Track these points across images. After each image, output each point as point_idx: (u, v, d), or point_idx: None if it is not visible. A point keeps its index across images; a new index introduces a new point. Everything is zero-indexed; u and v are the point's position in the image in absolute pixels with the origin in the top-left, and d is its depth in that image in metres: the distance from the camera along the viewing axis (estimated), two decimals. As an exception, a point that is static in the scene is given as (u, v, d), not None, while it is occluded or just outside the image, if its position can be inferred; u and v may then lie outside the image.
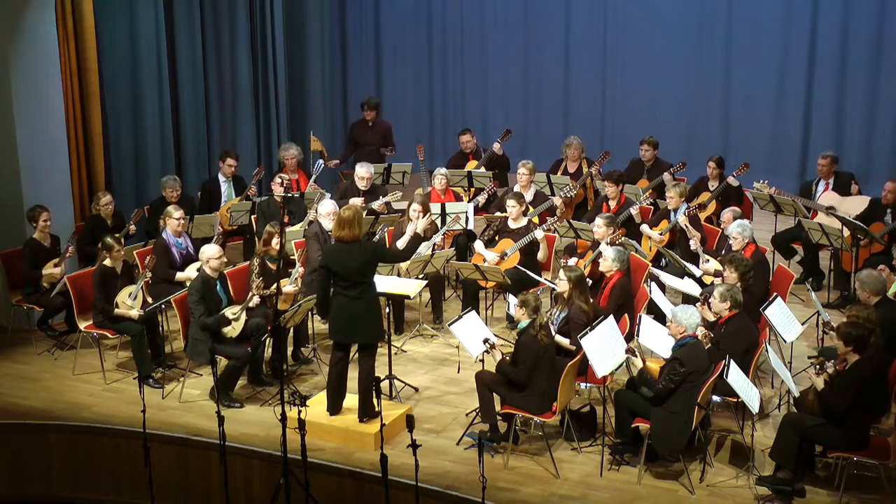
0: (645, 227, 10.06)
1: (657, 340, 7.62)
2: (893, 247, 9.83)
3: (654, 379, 7.06)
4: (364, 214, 9.72)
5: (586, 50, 14.68)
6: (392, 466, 6.70)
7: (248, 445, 7.55)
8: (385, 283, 8.31)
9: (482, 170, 11.55)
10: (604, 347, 7.15)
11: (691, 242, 9.42)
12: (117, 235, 9.05)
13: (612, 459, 7.24)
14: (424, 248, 9.24)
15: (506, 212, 9.77)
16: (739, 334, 7.43)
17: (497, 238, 9.77)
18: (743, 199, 10.78)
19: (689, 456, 7.16)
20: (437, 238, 9.60)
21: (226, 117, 12.95)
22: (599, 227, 9.10)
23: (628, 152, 12.05)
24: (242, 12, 12.80)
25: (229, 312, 8.17)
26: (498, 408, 7.46)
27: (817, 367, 6.82)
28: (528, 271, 9.08)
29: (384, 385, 8.09)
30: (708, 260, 9.07)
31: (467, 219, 10.22)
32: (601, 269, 8.48)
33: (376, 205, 10.38)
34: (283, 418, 6.76)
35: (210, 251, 8.29)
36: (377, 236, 9.46)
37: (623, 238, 9.25)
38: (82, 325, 8.81)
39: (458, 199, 10.97)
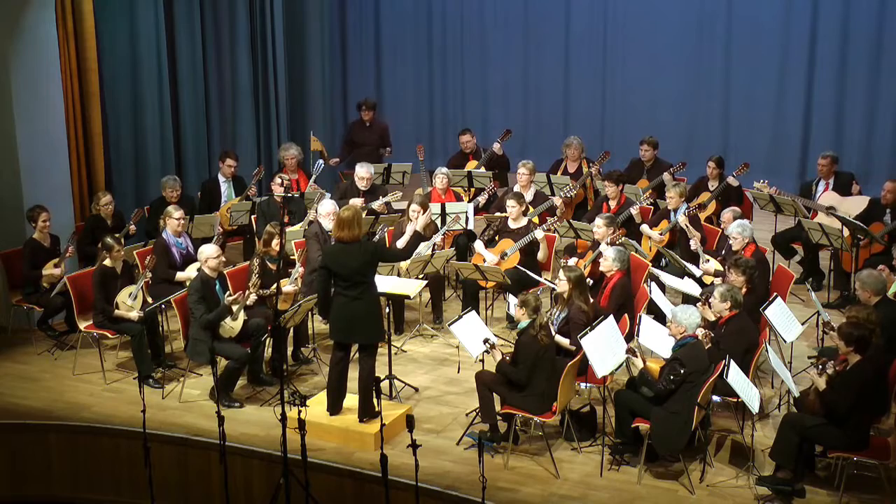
0: (645, 227, 10.06)
1: (657, 340, 7.62)
2: (893, 247, 9.83)
3: (655, 379, 7.06)
4: (364, 214, 9.76)
5: (586, 50, 14.68)
6: (392, 466, 6.70)
7: (248, 445, 7.55)
8: (385, 283, 8.31)
9: (482, 170, 11.56)
10: (604, 347, 7.15)
11: (691, 242, 9.42)
12: (117, 235, 9.05)
13: (612, 459, 7.24)
14: (424, 248, 9.25)
15: (506, 212, 9.78)
16: (739, 334, 7.43)
17: (497, 238, 9.77)
18: (743, 199, 10.78)
19: (689, 456, 7.16)
20: (437, 238, 9.60)
21: (226, 117, 12.95)
22: (599, 227, 9.10)
23: (628, 152, 12.05)
24: (242, 12, 12.79)
25: (228, 299, 8.15)
26: (498, 408, 7.46)
27: (819, 367, 6.82)
28: (528, 271, 9.08)
29: (384, 385, 8.09)
30: (708, 260, 9.07)
31: (467, 219, 10.22)
32: (601, 268, 8.48)
33: (376, 205, 10.38)
34: (283, 418, 6.76)
35: (208, 251, 8.29)
36: (377, 236, 9.47)
37: (623, 238, 9.25)
38: (82, 325, 8.81)
39: (459, 199, 10.97)
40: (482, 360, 7.92)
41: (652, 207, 10.42)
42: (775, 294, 7.98)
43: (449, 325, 7.79)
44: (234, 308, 8.15)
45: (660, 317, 8.35)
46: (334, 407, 7.70)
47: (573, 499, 6.88)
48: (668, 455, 7.12)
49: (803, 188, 11.09)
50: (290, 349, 8.88)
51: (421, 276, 9.05)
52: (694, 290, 8.64)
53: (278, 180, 10.43)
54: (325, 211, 9.21)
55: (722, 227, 9.44)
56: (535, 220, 10.03)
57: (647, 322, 7.84)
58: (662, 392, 6.93)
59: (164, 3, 11.65)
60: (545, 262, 9.63)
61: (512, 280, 8.98)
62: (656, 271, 9.02)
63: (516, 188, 10.55)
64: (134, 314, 8.54)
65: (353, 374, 7.71)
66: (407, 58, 15.63)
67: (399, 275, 9.12)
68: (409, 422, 6.33)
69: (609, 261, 8.37)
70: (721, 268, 8.74)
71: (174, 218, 9.31)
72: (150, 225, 10.37)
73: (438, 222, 9.97)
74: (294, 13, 13.68)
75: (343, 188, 11.01)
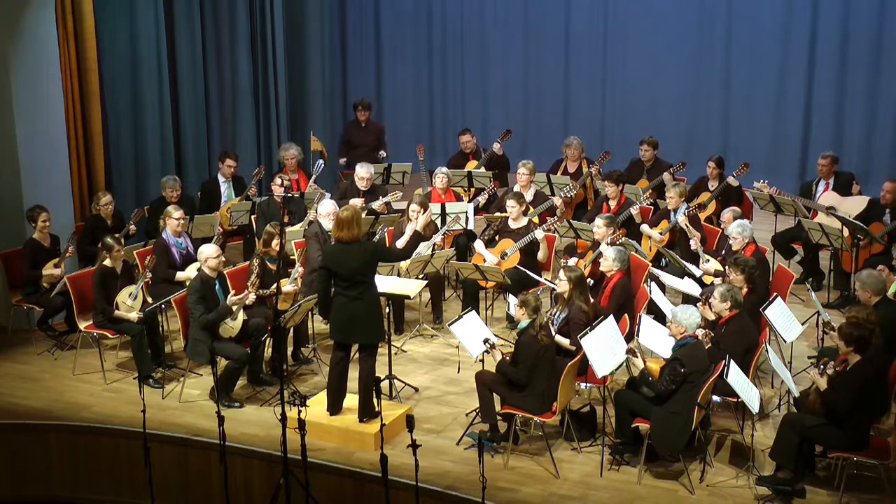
0: (645, 227, 10.06)
1: (657, 340, 7.62)
2: (893, 247, 9.83)
3: (655, 379, 7.06)
4: (364, 214, 9.76)
5: (586, 50, 14.68)
6: (392, 466, 6.70)
7: (248, 445, 7.55)
8: (385, 283, 8.31)
9: (482, 170, 11.56)
10: (604, 347, 7.15)
11: (691, 242, 9.42)
12: (117, 235, 9.05)
13: (612, 459, 7.24)
14: (424, 248, 9.25)
15: (506, 212, 9.78)
16: (739, 334, 7.43)
17: (497, 238, 9.77)
18: (743, 199, 10.78)
19: (689, 456, 7.16)
20: (437, 238, 9.60)
21: (226, 117, 12.95)
22: (599, 227, 9.10)
23: (628, 152, 12.05)
24: (242, 12, 12.79)
25: (231, 300, 8.15)
26: (498, 408, 7.46)
27: (821, 367, 6.81)
28: (528, 271, 9.08)
29: (384, 385, 8.09)
30: (708, 260, 9.07)
31: (467, 219, 10.22)
32: (602, 268, 8.48)
33: (376, 205, 10.38)
34: (283, 418, 6.76)
35: (208, 251, 8.29)
36: (377, 236, 9.46)
37: (623, 238, 9.25)
38: (82, 325, 8.81)
39: (459, 199, 10.97)
40: (482, 360, 7.92)
41: (652, 207, 10.42)
42: (775, 294, 7.98)
43: (449, 325, 7.79)
44: (234, 308, 8.15)
45: (660, 317, 8.35)
46: (334, 407, 7.70)
47: (573, 499, 6.88)
48: (668, 455, 7.12)
49: (803, 188, 11.09)
50: (290, 349, 8.88)
51: (421, 276, 9.05)
52: (694, 290, 8.64)
53: (278, 180, 10.43)
54: (325, 211, 9.21)
55: (722, 227, 9.44)
56: (535, 220, 10.03)
57: (647, 322, 7.84)
58: (663, 392, 6.93)
59: (164, 3, 11.65)
60: (545, 262, 9.63)
61: (512, 280, 8.98)
62: (656, 271, 9.02)
63: (516, 188, 10.55)
64: (134, 315, 8.54)
65: (353, 374, 7.71)
66: (407, 58, 15.62)
67: (399, 275, 9.12)
68: (409, 422, 6.32)
69: (609, 261, 8.37)
70: (721, 268, 8.73)
71: (174, 218, 9.31)
72: (150, 225, 10.37)
73: (438, 222, 9.97)
74: (294, 13, 13.68)
75: (343, 188, 11.01)
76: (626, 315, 8.06)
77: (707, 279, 8.90)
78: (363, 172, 10.66)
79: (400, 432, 7.36)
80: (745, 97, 13.90)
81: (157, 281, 9.11)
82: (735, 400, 7.26)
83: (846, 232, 9.65)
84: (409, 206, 9.57)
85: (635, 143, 11.62)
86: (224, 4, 12.64)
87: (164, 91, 11.73)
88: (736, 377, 6.79)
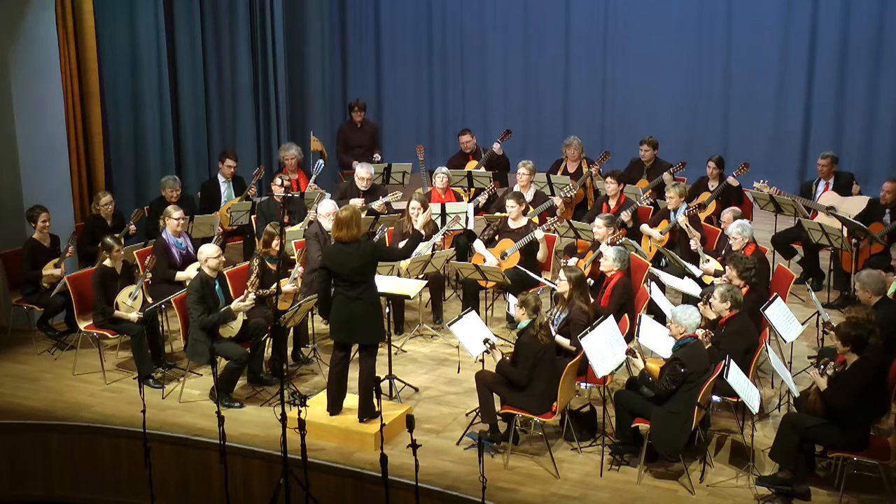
0: (645, 227, 10.07)
1: (657, 340, 7.62)
2: (892, 247, 9.83)
3: (655, 379, 7.05)
4: (364, 214, 9.76)
5: (586, 50, 14.67)
6: (392, 466, 6.69)
7: (248, 445, 7.55)
8: (385, 283, 8.30)
9: (482, 170, 11.56)
10: (604, 347, 7.15)
11: (691, 242, 9.42)
12: (117, 235, 9.06)
13: (612, 459, 7.24)
14: (424, 248, 9.25)
15: (506, 212, 9.78)
16: (739, 334, 7.43)
17: (497, 238, 9.77)
18: (743, 199, 10.78)
19: (689, 456, 7.16)
20: (437, 238, 9.60)
21: (226, 117, 12.95)
22: (599, 227, 9.10)
23: (628, 152, 12.05)
24: (242, 12, 12.79)
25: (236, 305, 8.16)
26: (498, 408, 7.46)
27: (821, 366, 6.81)
28: (528, 271, 9.08)
29: (384, 385, 8.09)
30: (708, 260, 9.07)
31: (467, 219, 10.22)
32: (602, 268, 8.48)
33: (376, 205, 10.38)
34: (283, 418, 6.76)
35: (208, 251, 8.29)
36: (377, 236, 9.46)
37: (623, 238, 9.25)
38: (82, 325, 8.81)
39: (459, 199, 10.97)
40: (482, 360, 7.92)
41: (652, 207, 10.42)
42: (775, 294, 7.98)
43: (449, 325, 7.79)
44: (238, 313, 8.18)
45: (660, 317, 8.35)
46: (334, 407, 7.69)
47: (573, 499, 6.88)
48: (668, 455, 7.12)
49: (803, 188, 11.10)
50: (290, 349, 8.88)
51: (421, 276, 9.05)
52: (694, 290, 8.64)
53: (278, 180, 10.43)
54: (325, 211, 9.21)
55: (722, 227, 9.45)
56: (535, 220, 10.03)
57: (647, 322, 7.84)
58: (663, 392, 6.93)
59: (164, 3, 11.64)
60: (545, 262, 9.63)
61: (512, 280, 8.98)
62: (656, 271, 9.02)
63: (516, 188, 10.55)
64: (133, 315, 8.53)
65: (353, 374, 7.71)
66: (407, 58, 15.62)
67: (399, 275, 9.12)
68: (409, 422, 6.32)
69: (609, 261, 8.37)
70: (721, 268, 8.73)
71: (174, 218, 9.31)
72: (150, 225, 10.37)
73: (438, 222, 9.97)
74: (294, 13, 13.68)
75: (343, 188, 11.01)
76: (626, 315, 8.06)
77: (707, 279, 8.90)
78: (363, 172, 10.66)
79: (400, 432, 7.36)
80: (745, 97, 13.90)
81: (157, 281, 9.10)
82: (735, 400, 7.26)
83: (845, 232, 9.65)
84: (409, 204, 9.57)
85: (635, 143, 11.63)
86: (224, 4, 12.64)
87: (164, 91, 11.72)
88: (736, 377, 6.79)
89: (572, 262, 8.95)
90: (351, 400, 7.74)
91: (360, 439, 7.50)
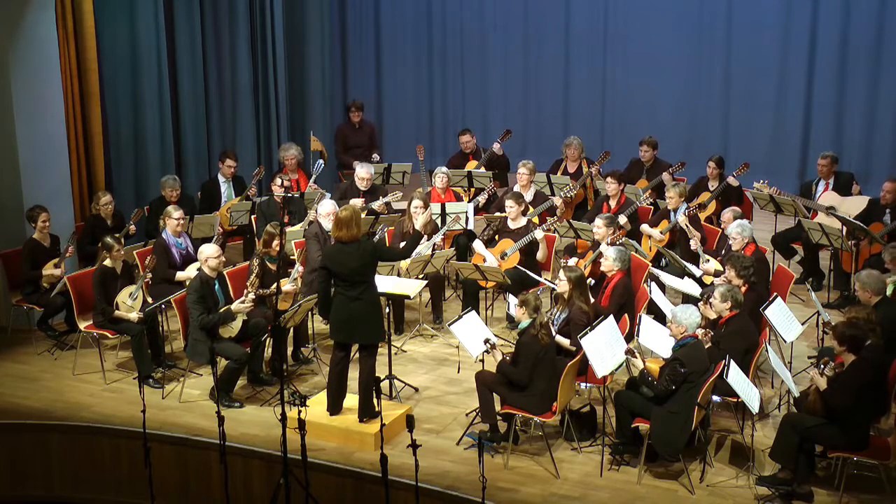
0: (646, 227, 10.07)
1: (657, 340, 7.62)
2: (885, 250, 9.81)
3: (655, 379, 7.05)
4: (364, 214, 9.76)
5: (586, 50, 14.67)
6: (392, 466, 6.69)
7: (248, 445, 7.55)
8: (385, 283, 8.30)
9: (482, 170, 11.56)
10: (604, 347, 7.15)
11: (691, 242, 9.42)
12: (117, 235, 9.06)
13: (612, 459, 7.24)
14: (424, 248, 9.25)
15: (505, 212, 9.77)
16: (739, 334, 7.43)
17: (497, 238, 9.77)
18: (743, 199, 10.78)
19: (689, 456, 7.16)
20: (437, 238, 9.60)
21: (226, 117, 12.95)
22: (599, 227, 9.10)
23: (628, 152, 12.05)
24: (242, 12, 12.79)
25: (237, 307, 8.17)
26: (498, 408, 7.46)
27: (821, 366, 6.81)
28: (528, 271, 9.08)
29: (384, 385, 8.09)
30: (708, 260, 9.07)
31: (467, 219, 10.22)
32: (602, 268, 8.48)
33: (376, 205, 10.38)
34: (283, 418, 6.76)
35: (208, 251, 8.29)
36: (377, 236, 9.46)
37: (623, 238, 9.25)
38: (82, 325, 8.81)
39: (459, 199, 10.97)
40: (482, 360, 7.92)
41: (652, 207, 10.42)
42: (775, 294, 7.98)
43: (449, 325, 7.78)
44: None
45: (660, 317, 8.35)
46: (334, 407, 7.69)
47: (573, 499, 6.88)
48: (668, 455, 7.12)
49: (803, 188, 11.10)
50: (290, 349, 8.88)
51: (421, 276, 9.05)
52: (694, 290, 8.64)
53: (278, 180, 10.43)
54: (325, 211, 9.21)
55: (722, 227, 9.44)
56: (535, 220, 10.03)
57: (647, 322, 7.84)
58: (662, 392, 6.93)
59: (164, 3, 11.64)
60: (545, 262, 9.63)
61: (512, 280, 8.98)
62: (656, 271, 9.02)
63: (516, 188, 10.55)
64: (133, 315, 8.53)
65: (353, 374, 7.71)
66: (407, 58, 15.62)
67: (399, 275, 9.12)
68: (409, 422, 6.32)
69: (610, 261, 8.37)
70: (721, 268, 8.73)
71: (174, 218, 9.31)
72: (150, 225, 10.37)
73: (438, 222, 9.97)
74: (294, 13, 13.68)
75: (343, 188, 11.01)
76: (626, 315, 8.06)
77: (707, 279, 8.90)
78: (363, 172, 10.66)
79: (400, 432, 7.35)
80: (745, 97, 13.89)
81: (157, 281, 9.10)
82: (735, 400, 7.26)
83: (844, 231, 9.65)
84: (409, 204, 9.57)
85: (635, 144, 11.63)
86: (224, 4, 12.64)
87: (164, 91, 11.72)
88: (736, 377, 6.79)
89: (572, 262, 8.95)
90: (351, 400, 7.74)
91: (360, 439, 7.50)
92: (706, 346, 7.15)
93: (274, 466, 7.24)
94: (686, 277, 8.93)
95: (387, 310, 8.08)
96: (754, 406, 6.86)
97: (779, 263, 10.15)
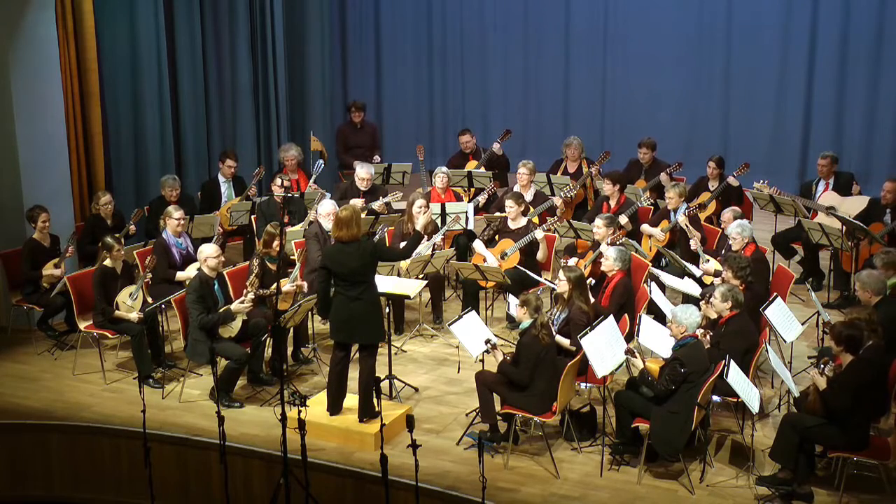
0: (646, 226, 10.07)
1: (657, 340, 7.62)
2: (876, 257, 9.80)
3: (655, 379, 7.05)
4: (364, 214, 9.76)
5: (586, 50, 14.67)
6: (392, 466, 6.69)
7: (248, 445, 7.55)
8: (385, 283, 8.30)
9: (482, 170, 11.56)
10: (604, 347, 7.15)
11: (691, 242, 9.42)
12: (117, 235, 9.06)
13: (612, 459, 7.24)
14: (424, 248, 9.25)
15: (505, 212, 9.77)
16: (740, 334, 7.43)
17: (497, 238, 9.77)
18: (743, 199, 10.78)
19: (689, 456, 7.16)
20: (438, 238, 9.60)
21: (226, 117, 12.95)
22: (599, 227, 9.10)
23: (628, 152, 12.04)
24: (242, 12, 12.80)
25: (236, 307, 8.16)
26: (498, 408, 7.46)
27: (821, 366, 6.81)
28: (528, 271, 9.08)
29: (384, 385, 8.09)
30: (708, 260, 9.07)
31: (467, 219, 10.22)
32: (603, 268, 8.48)
33: (376, 205, 10.38)
34: (283, 418, 6.76)
35: (208, 250, 8.29)
36: (377, 236, 9.46)
37: (623, 238, 9.25)
38: (82, 325, 8.81)
39: (459, 199, 10.97)
40: (482, 360, 7.92)
41: (652, 208, 10.42)
42: (775, 294, 7.98)
43: (449, 325, 7.78)
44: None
45: (660, 317, 8.35)
46: (334, 407, 7.69)
47: (573, 499, 6.88)
48: (668, 455, 7.12)
49: (803, 188, 11.10)
50: (290, 349, 8.88)
51: (421, 276, 9.05)
52: (694, 290, 8.64)
53: (278, 180, 10.43)
54: (325, 211, 9.21)
55: (722, 227, 9.44)
56: (535, 220, 10.03)
57: (647, 322, 7.84)
58: (662, 392, 6.93)
59: (164, 3, 11.65)
60: (545, 262, 9.63)
61: (512, 280, 8.98)
62: (656, 271, 9.02)
63: (516, 188, 10.55)
64: (133, 315, 8.53)
65: (353, 374, 7.71)
66: (407, 58, 15.62)
67: (399, 275, 9.12)
68: (409, 422, 6.32)
69: (610, 260, 8.37)
70: (721, 268, 8.73)
71: (174, 218, 9.31)
72: (150, 225, 10.37)
73: (438, 222, 9.97)
74: (294, 13, 13.69)
75: (343, 188, 11.01)
76: (626, 315, 8.06)
77: (707, 279, 8.90)
78: (363, 173, 10.66)
79: (400, 432, 7.36)
80: (745, 97, 13.89)
81: (157, 281, 9.10)
82: (735, 400, 7.26)
83: (844, 231, 9.64)
84: (410, 203, 9.56)
85: (635, 143, 11.63)
86: (224, 4, 12.64)
87: (164, 91, 11.72)
88: (736, 377, 6.79)
89: (572, 262, 8.95)
90: (351, 400, 7.74)
91: (360, 439, 7.50)
92: (706, 346, 7.15)
93: (274, 466, 7.24)
94: (686, 277, 8.93)
95: (387, 310, 8.08)
96: (754, 406, 6.86)
97: (779, 263, 10.15)
